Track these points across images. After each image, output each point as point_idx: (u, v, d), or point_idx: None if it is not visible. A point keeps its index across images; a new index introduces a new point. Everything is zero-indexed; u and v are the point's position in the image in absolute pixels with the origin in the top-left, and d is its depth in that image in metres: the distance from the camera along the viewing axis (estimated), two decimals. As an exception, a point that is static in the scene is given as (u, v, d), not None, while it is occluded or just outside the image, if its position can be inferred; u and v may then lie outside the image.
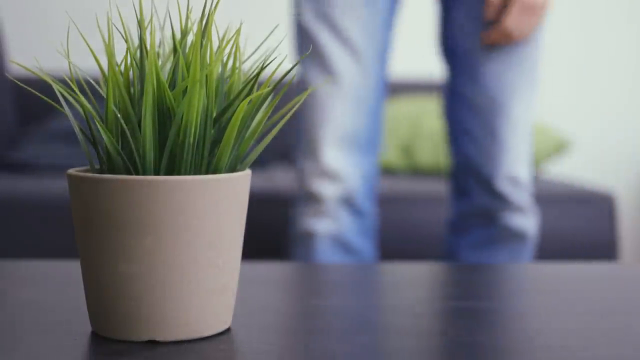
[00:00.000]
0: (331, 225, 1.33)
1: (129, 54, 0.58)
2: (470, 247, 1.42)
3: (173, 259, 0.56)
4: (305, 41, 1.35)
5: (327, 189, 1.33)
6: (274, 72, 0.58)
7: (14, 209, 1.80)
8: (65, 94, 0.58)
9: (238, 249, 0.59)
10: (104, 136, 0.57)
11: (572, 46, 2.84)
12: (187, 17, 0.60)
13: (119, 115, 0.57)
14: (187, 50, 0.60)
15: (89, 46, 0.57)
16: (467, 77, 1.38)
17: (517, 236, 1.40)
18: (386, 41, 1.37)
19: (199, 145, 0.58)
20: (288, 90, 2.54)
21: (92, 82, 0.60)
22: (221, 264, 0.58)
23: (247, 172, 0.60)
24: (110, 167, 0.58)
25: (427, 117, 2.31)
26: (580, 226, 1.92)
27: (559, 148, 2.33)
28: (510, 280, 0.80)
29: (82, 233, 0.57)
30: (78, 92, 0.57)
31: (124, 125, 0.57)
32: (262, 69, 0.59)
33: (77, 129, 0.59)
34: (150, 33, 0.57)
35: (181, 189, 0.55)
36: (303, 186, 1.35)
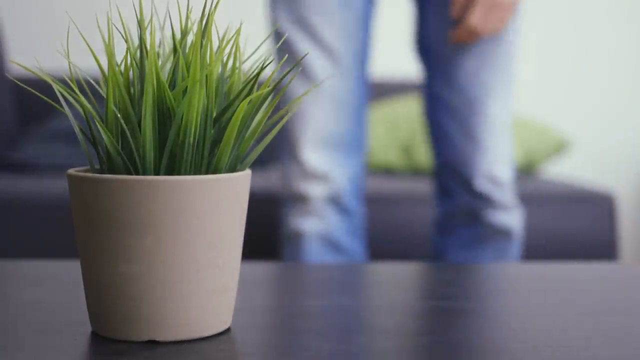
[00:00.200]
0: (319, 224, 1.33)
1: (129, 54, 0.58)
2: (457, 246, 1.42)
3: (173, 259, 0.56)
4: (281, 45, 1.35)
5: (313, 190, 1.33)
6: (273, 72, 0.58)
7: (14, 209, 1.80)
8: (65, 94, 0.58)
9: (238, 249, 0.59)
10: (104, 136, 0.57)
11: (572, 46, 2.84)
12: (187, 17, 0.60)
13: (119, 115, 0.57)
14: (187, 50, 0.60)
15: (89, 46, 0.57)
16: (442, 78, 1.38)
17: (502, 233, 1.40)
18: (363, 42, 1.36)
19: (199, 145, 0.58)
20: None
21: (92, 82, 0.60)
22: (221, 264, 0.58)
23: (247, 172, 0.60)
24: (110, 167, 0.58)
25: (427, 117, 2.31)
26: (580, 226, 1.91)
27: (559, 148, 2.33)
28: (510, 280, 0.80)
29: (82, 233, 0.57)
30: (78, 92, 0.57)
31: (124, 125, 0.57)
32: (262, 69, 0.59)
33: (77, 129, 0.59)
34: (150, 33, 0.57)
35: (181, 189, 0.55)
36: (288, 188, 1.36)
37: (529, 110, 2.83)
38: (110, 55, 0.57)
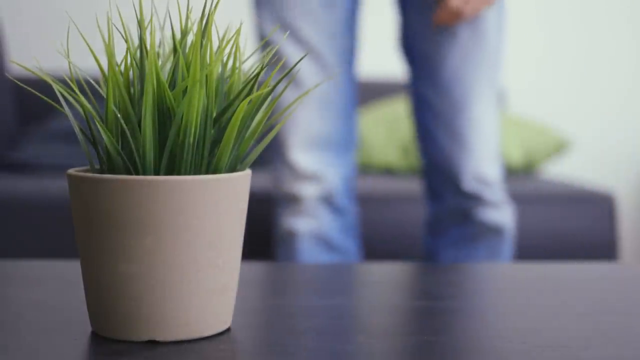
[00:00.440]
0: (312, 223, 1.34)
1: (129, 54, 0.58)
2: (449, 246, 1.42)
3: (173, 259, 0.56)
4: (265, 46, 1.35)
5: (305, 190, 1.33)
6: (273, 72, 0.58)
7: (14, 209, 1.80)
8: (65, 94, 0.58)
9: (238, 249, 0.59)
10: (104, 136, 0.57)
11: (572, 46, 2.84)
12: (187, 17, 0.60)
13: (119, 115, 0.57)
14: (187, 50, 0.60)
15: (89, 46, 0.57)
16: (426, 79, 1.38)
17: (493, 231, 1.39)
18: (349, 42, 1.36)
19: (199, 145, 0.58)
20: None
21: (92, 82, 0.60)
22: (221, 264, 0.58)
23: (247, 172, 0.60)
24: (110, 167, 0.58)
25: (427, 117, 2.31)
26: (580, 226, 1.92)
27: (559, 148, 2.33)
28: (510, 280, 0.80)
29: (82, 233, 0.57)
30: (78, 92, 0.57)
31: (124, 125, 0.57)
32: (262, 69, 0.59)
33: (77, 129, 0.59)
34: (150, 33, 0.57)
35: (181, 189, 0.55)
36: (280, 189, 1.36)
37: (529, 110, 2.83)
38: (110, 55, 0.57)
